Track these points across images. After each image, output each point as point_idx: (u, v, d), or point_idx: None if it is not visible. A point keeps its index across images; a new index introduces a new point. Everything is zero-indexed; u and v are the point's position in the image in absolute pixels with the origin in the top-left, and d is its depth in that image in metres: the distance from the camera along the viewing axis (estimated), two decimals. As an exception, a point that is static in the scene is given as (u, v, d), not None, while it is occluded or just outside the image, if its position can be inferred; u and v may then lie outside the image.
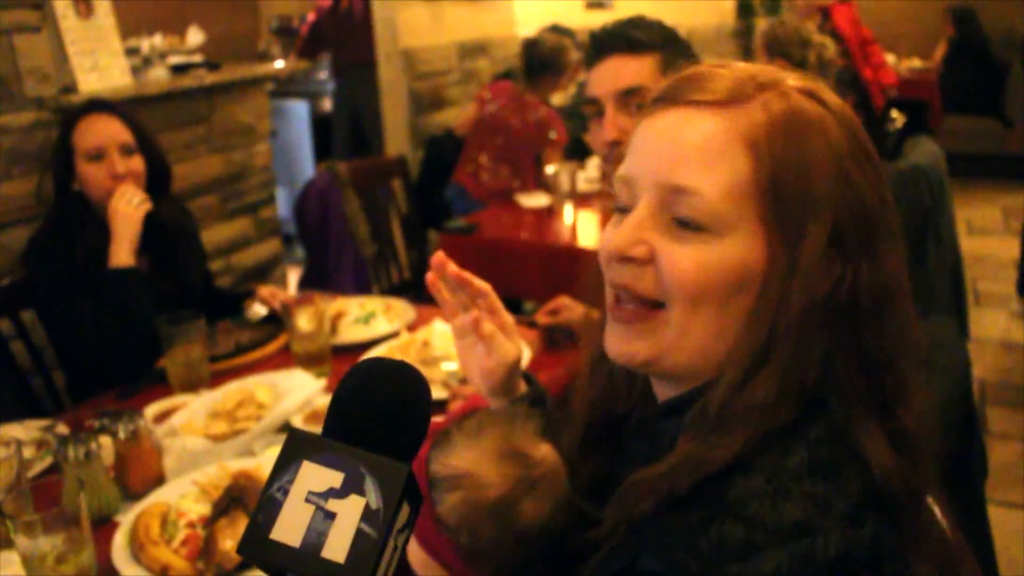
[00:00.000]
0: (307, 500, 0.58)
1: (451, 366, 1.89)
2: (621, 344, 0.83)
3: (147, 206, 2.13)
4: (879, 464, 0.74)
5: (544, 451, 0.95)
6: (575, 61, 3.95)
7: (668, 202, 0.78)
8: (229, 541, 1.28)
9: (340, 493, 0.58)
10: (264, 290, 2.34)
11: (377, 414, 0.63)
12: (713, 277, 0.76)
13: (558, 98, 4.36)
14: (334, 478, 0.58)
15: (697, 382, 0.81)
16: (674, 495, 0.75)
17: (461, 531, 0.92)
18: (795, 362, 0.76)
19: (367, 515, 0.57)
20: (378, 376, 0.65)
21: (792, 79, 0.81)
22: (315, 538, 0.57)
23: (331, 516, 0.57)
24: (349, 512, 0.57)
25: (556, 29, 4.50)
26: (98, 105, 2.21)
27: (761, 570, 0.68)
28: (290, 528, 0.57)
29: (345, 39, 5.19)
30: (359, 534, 0.57)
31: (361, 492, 0.58)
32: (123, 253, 2.08)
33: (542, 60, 3.92)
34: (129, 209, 2.10)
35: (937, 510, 1.11)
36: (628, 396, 0.95)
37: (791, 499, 0.71)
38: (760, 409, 0.75)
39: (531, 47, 3.95)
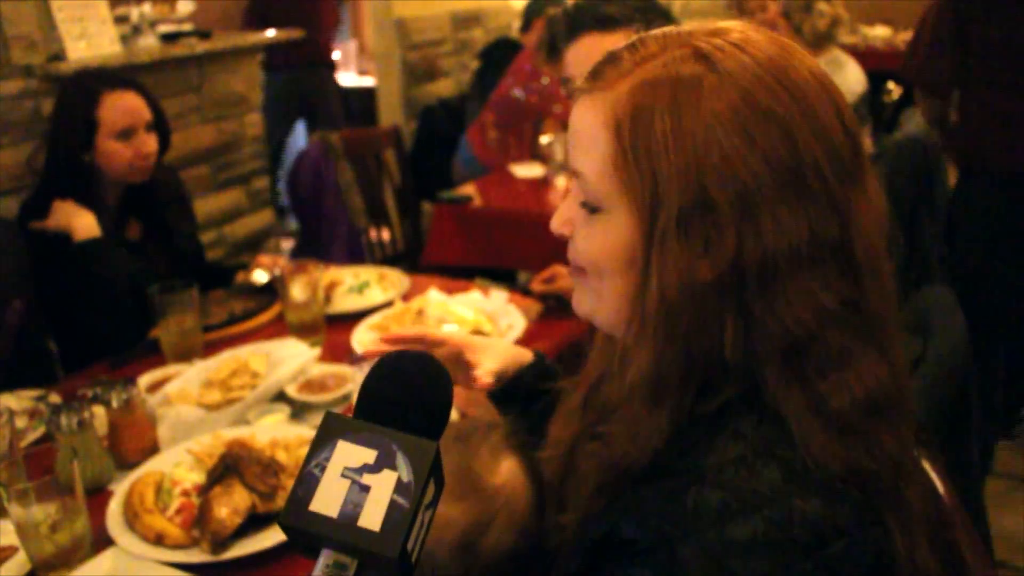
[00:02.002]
0: (343, 475, 0.63)
1: (451, 328, 1.89)
2: (573, 301, 0.89)
3: None
4: (803, 443, 0.72)
5: (505, 471, 0.95)
6: None
7: (576, 184, 0.83)
8: (224, 509, 1.28)
9: (374, 468, 0.63)
10: (264, 258, 2.33)
11: (405, 398, 0.68)
12: (602, 253, 0.80)
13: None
14: (368, 455, 0.63)
15: (613, 332, 0.86)
16: (622, 472, 0.78)
17: (425, 568, 0.92)
18: (669, 336, 0.75)
19: (399, 487, 0.62)
20: (404, 364, 0.71)
21: (702, 39, 0.77)
22: (351, 509, 0.62)
23: (366, 489, 0.62)
24: (383, 485, 0.62)
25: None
26: (123, 81, 2.18)
27: (738, 535, 0.68)
28: (328, 500, 0.62)
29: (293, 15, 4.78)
30: (392, 504, 0.62)
31: (393, 467, 0.63)
32: (88, 224, 2.05)
33: (562, 35, 3.87)
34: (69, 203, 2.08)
35: (934, 475, 1.12)
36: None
37: (768, 465, 0.71)
38: (646, 385, 0.77)
39: (552, 22, 3.90)
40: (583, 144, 0.81)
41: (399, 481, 0.62)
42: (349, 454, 0.63)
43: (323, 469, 0.63)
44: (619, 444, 0.79)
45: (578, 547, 0.82)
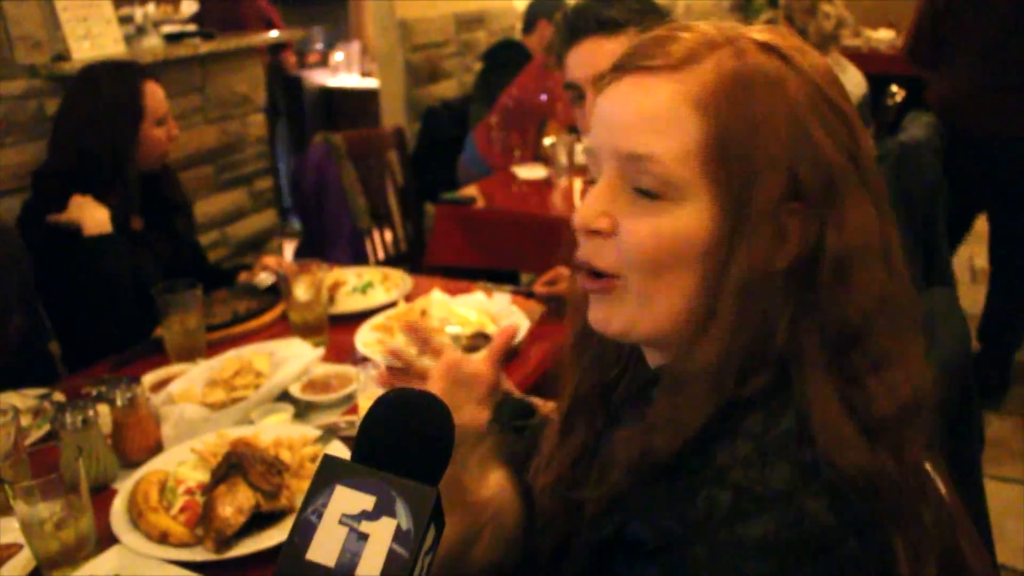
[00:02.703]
0: (341, 522, 0.61)
1: (455, 329, 1.89)
2: (596, 314, 0.83)
3: None
4: (840, 449, 0.71)
5: (493, 484, 0.92)
6: None
7: (627, 171, 0.77)
8: (228, 508, 1.28)
9: (372, 515, 0.61)
10: (270, 259, 2.34)
11: (404, 440, 0.66)
12: (669, 245, 0.75)
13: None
14: (366, 501, 0.61)
15: (684, 347, 0.80)
16: (654, 460, 0.75)
17: None
18: (741, 327, 0.74)
19: (398, 536, 0.60)
20: (403, 404, 0.68)
21: (756, 33, 0.78)
22: (349, 558, 0.59)
23: (364, 537, 0.60)
24: (381, 533, 0.60)
25: None
26: (148, 71, 2.28)
27: (749, 535, 0.68)
28: (325, 549, 0.60)
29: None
30: (391, 554, 0.59)
31: (392, 514, 0.61)
32: (101, 219, 2.07)
33: None
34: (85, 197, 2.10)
35: (939, 481, 1.12)
36: (617, 362, 0.94)
37: (779, 466, 0.71)
38: (710, 374, 0.74)
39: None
40: (655, 125, 0.75)
41: (398, 529, 0.60)
42: (347, 500, 0.61)
43: (320, 516, 0.61)
44: (660, 431, 0.76)
45: (586, 547, 0.81)
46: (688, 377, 0.76)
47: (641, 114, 0.76)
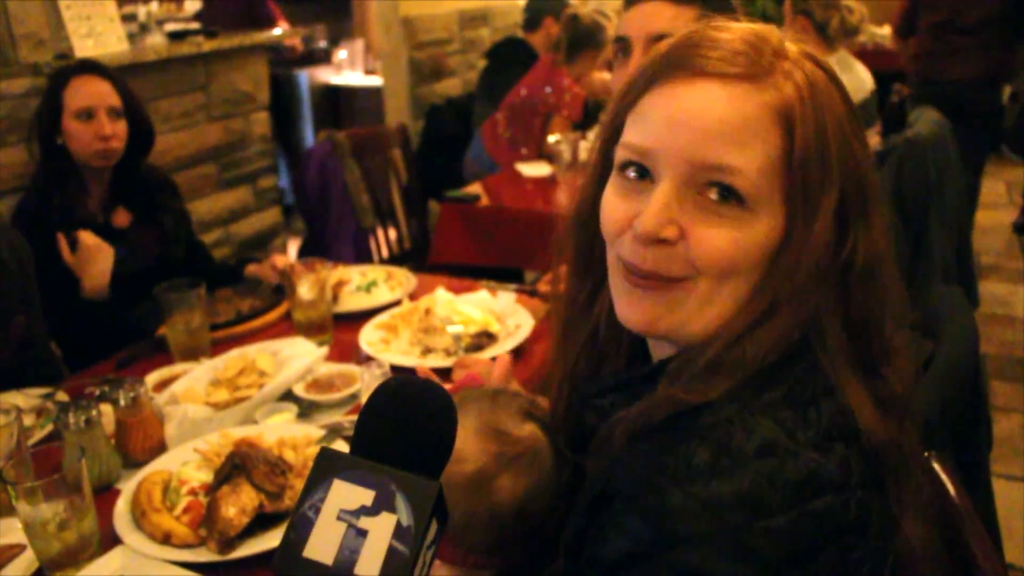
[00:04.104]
0: (339, 518, 0.59)
1: (456, 329, 1.88)
2: (642, 313, 0.82)
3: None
4: (862, 415, 0.76)
5: (528, 430, 0.95)
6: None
7: (698, 179, 0.77)
8: (231, 508, 1.27)
9: (371, 511, 0.59)
10: (280, 258, 2.34)
11: (404, 432, 0.64)
12: (745, 254, 0.77)
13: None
14: (365, 496, 0.60)
15: (697, 342, 0.82)
16: (651, 425, 0.78)
17: None
18: (795, 323, 0.78)
19: (398, 532, 0.59)
20: (403, 394, 0.67)
21: (789, 43, 0.81)
22: (347, 556, 0.58)
23: (363, 534, 0.59)
24: (381, 529, 0.59)
25: None
26: (91, 67, 2.26)
27: (723, 489, 0.70)
28: (323, 546, 0.58)
29: None
30: (391, 551, 0.58)
31: (392, 509, 0.59)
32: (98, 281, 2.08)
33: (581, 36, 3.85)
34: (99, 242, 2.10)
35: (944, 476, 1.11)
36: (616, 353, 0.96)
37: (760, 425, 0.73)
38: (747, 362, 0.77)
39: (571, 22, 3.89)
40: (740, 137, 0.75)
41: (398, 525, 0.59)
42: (345, 495, 0.60)
43: (317, 511, 0.59)
44: (661, 408, 0.78)
45: (579, 508, 0.83)
46: (715, 366, 0.78)
47: (724, 124, 0.76)
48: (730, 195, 0.76)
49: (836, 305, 0.79)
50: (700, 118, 0.76)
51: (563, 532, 0.86)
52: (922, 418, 0.87)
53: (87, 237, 2.07)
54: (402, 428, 0.64)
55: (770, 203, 0.77)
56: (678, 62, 0.79)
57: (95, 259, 2.07)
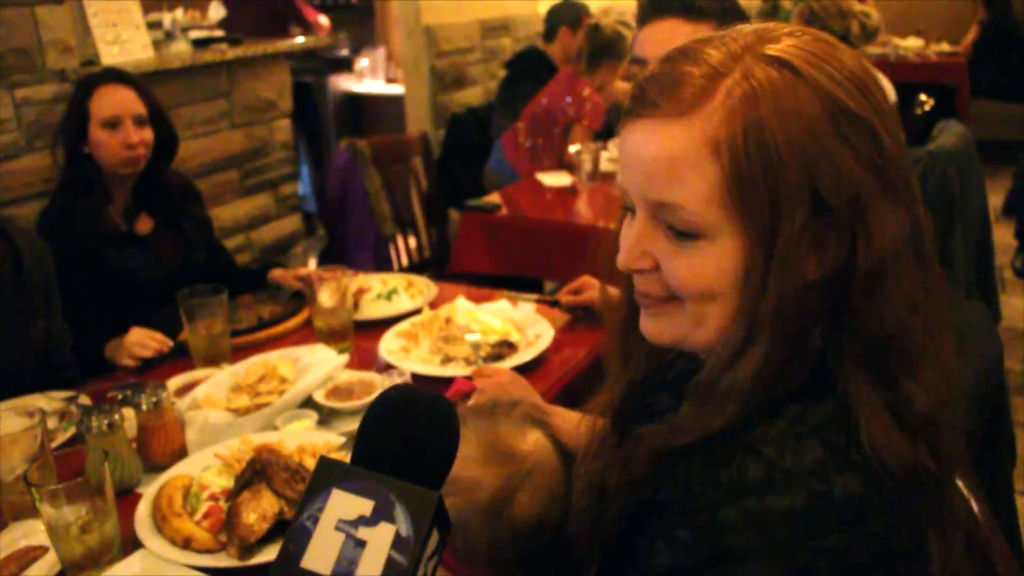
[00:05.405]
0: (337, 528, 0.58)
1: (474, 337, 1.88)
2: (650, 328, 0.86)
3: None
4: (873, 436, 0.73)
5: (532, 441, 0.95)
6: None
7: (657, 214, 0.79)
8: (252, 514, 1.28)
9: (370, 521, 0.58)
10: (303, 271, 2.36)
11: (405, 441, 0.64)
12: (711, 279, 0.77)
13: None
14: (364, 506, 0.59)
15: (727, 359, 0.81)
16: (675, 451, 0.78)
17: (456, 535, 0.91)
18: (779, 344, 0.76)
19: (397, 543, 0.58)
20: (405, 404, 0.67)
21: (768, 46, 0.76)
22: (345, 567, 0.57)
23: (361, 544, 0.58)
24: (379, 540, 0.58)
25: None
26: (116, 75, 2.29)
27: (777, 506, 0.70)
28: (321, 557, 0.58)
29: None
30: (389, 563, 0.57)
31: (391, 520, 0.58)
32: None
33: (602, 46, 3.86)
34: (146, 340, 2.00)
35: (967, 493, 1.10)
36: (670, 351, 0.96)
37: (812, 443, 0.73)
38: (742, 388, 0.76)
39: (593, 32, 3.90)
40: (675, 173, 0.76)
41: (397, 535, 0.58)
42: (344, 504, 0.59)
43: (316, 521, 0.58)
44: (684, 433, 0.78)
45: (622, 512, 0.83)
46: (716, 390, 0.78)
47: (659, 163, 0.77)
48: (678, 229, 0.77)
49: (840, 320, 0.76)
50: (640, 159, 0.78)
51: (595, 534, 0.86)
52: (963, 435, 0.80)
53: (135, 334, 1.99)
54: (403, 438, 0.64)
55: (729, 227, 0.75)
56: (634, 100, 0.81)
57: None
